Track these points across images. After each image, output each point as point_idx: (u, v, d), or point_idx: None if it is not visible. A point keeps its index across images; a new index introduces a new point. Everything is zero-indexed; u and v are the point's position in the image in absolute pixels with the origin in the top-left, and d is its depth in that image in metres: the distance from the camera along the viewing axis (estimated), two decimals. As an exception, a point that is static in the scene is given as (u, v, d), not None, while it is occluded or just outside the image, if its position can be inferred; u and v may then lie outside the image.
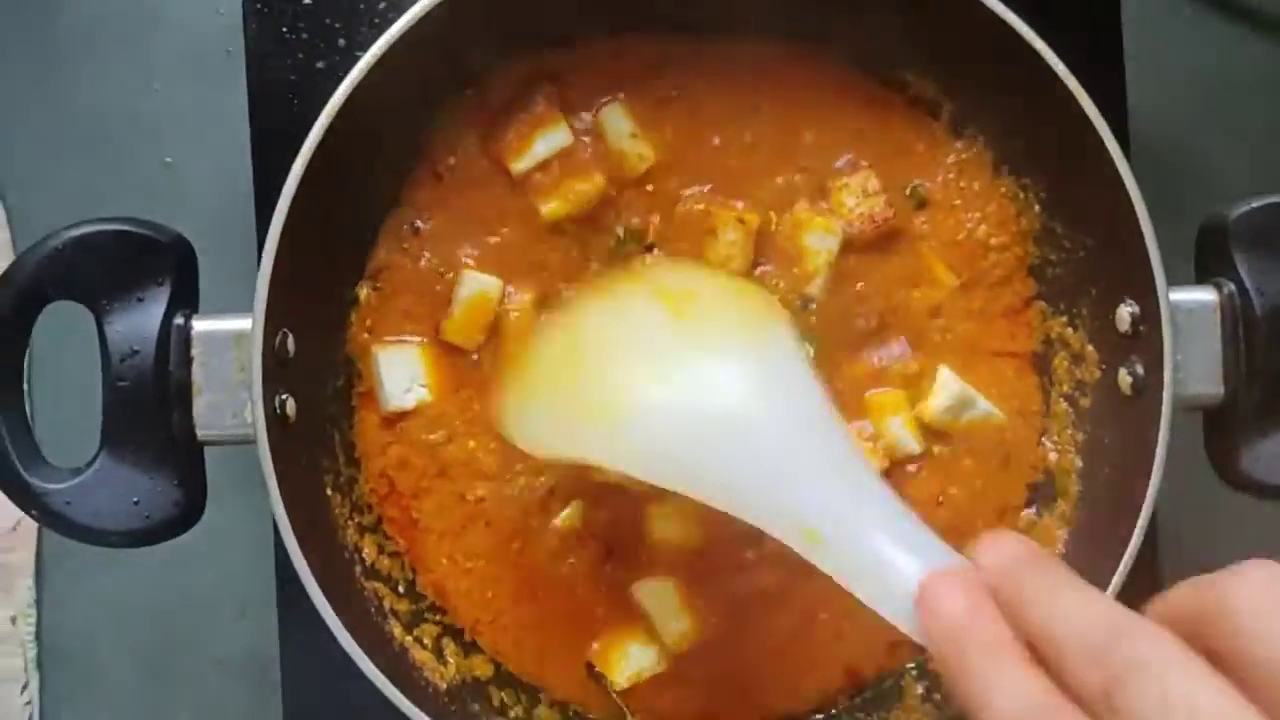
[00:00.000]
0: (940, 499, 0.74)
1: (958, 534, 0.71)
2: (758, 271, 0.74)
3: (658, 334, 0.60)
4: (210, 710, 0.86)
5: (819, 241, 0.73)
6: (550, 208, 0.73)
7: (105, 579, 0.85)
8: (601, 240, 0.74)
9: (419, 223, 0.73)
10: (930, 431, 0.74)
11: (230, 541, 0.83)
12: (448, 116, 0.74)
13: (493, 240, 0.73)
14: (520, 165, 0.73)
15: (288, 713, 0.79)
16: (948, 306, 0.75)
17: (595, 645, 0.73)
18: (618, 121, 0.74)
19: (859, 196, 0.73)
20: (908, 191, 0.75)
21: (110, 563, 0.83)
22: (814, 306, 0.74)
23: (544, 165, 0.73)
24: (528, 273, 0.73)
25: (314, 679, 0.78)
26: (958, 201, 0.75)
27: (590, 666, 0.73)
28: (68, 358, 0.82)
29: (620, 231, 0.74)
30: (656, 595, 0.73)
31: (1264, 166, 0.86)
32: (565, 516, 0.73)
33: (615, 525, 0.73)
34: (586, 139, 0.74)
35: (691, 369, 0.57)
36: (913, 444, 0.73)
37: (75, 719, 0.86)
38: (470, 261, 0.73)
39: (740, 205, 0.74)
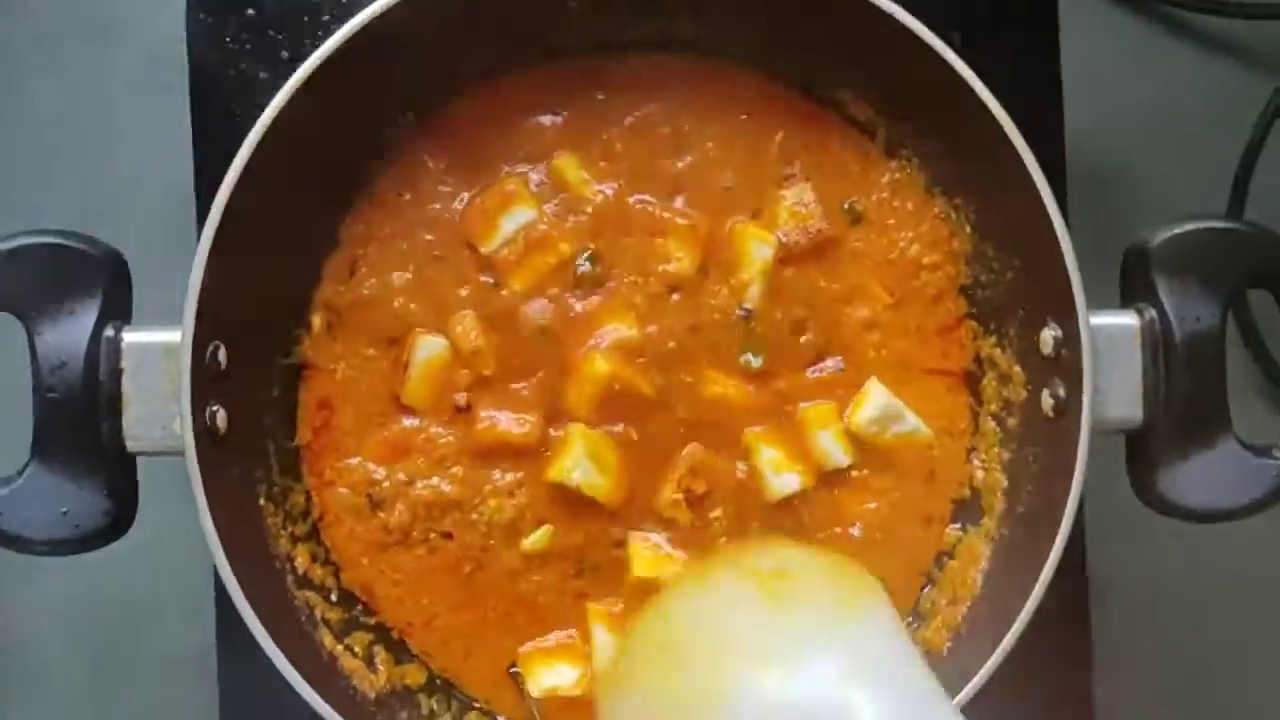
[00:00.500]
0: (867, 509, 0.75)
1: (882, 547, 0.74)
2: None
3: (752, 620, 0.61)
4: (157, 710, 0.87)
5: (755, 250, 0.74)
6: (518, 287, 0.74)
7: (54, 580, 0.86)
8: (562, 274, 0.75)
9: (364, 290, 0.75)
10: (859, 444, 0.74)
11: (177, 543, 0.82)
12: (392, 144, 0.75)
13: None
14: (489, 247, 0.74)
15: (224, 714, 0.79)
16: (883, 323, 0.75)
17: (522, 650, 0.74)
18: (573, 171, 0.75)
19: (794, 207, 0.75)
20: (845, 207, 0.76)
21: (59, 564, 0.82)
22: (754, 320, 0.74)
23: (510, 241, 0.74)
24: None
25: (251, 681, 0.78)
26: (891, 220, 0.76)
27: (511, 667, 0.74)
28: (3, 366, 0.82)
29: (583, 262, 0.74)
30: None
31: (1204, 190, 0.86)
32: (534, 540, 0.73)
33: (588, 547, 0.74)
34: (547, 209, 0.75)
35: (788, 656, 0.58)
36: (841, 457, 0.74)
37: (23, 718, 0.87)
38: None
39: (683, 217, 0.75)
